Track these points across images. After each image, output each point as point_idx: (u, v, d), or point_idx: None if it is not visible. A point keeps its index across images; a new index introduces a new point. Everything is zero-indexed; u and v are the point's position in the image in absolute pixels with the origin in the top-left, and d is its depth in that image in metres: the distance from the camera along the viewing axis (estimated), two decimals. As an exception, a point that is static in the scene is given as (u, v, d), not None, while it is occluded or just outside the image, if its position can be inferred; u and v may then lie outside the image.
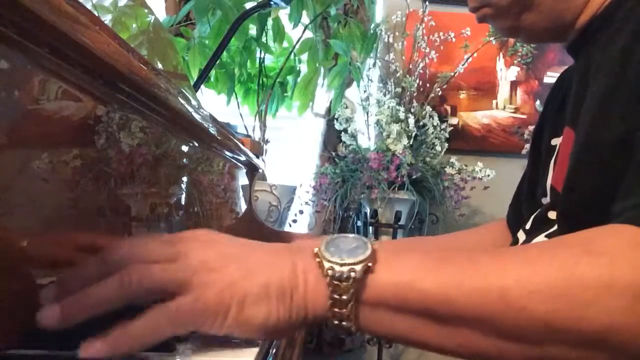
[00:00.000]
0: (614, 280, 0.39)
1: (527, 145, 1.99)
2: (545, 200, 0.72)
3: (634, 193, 0.46)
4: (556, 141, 0.73)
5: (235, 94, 1.89)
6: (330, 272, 0.41)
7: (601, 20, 0.64)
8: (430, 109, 1.97)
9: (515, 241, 0.75)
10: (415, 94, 1.99)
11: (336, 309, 0.41)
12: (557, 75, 0.75)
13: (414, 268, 0.42)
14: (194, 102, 0.78)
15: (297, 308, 0.42)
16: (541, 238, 0.67)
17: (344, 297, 0.41)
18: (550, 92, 0.84)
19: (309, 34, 1.82)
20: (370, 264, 0.41)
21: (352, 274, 0.41)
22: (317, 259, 0.42)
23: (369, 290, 0.41)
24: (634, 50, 0.54)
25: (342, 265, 0.41)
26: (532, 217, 0.73)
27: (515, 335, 0.40)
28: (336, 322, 0.42)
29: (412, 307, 0.41)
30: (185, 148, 0.85)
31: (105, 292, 0.40)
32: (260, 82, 1.87)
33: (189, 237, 0.44)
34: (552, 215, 0.67)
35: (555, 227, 0.65)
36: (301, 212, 1.90)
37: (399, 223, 1.85)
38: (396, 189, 1.82)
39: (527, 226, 0.73)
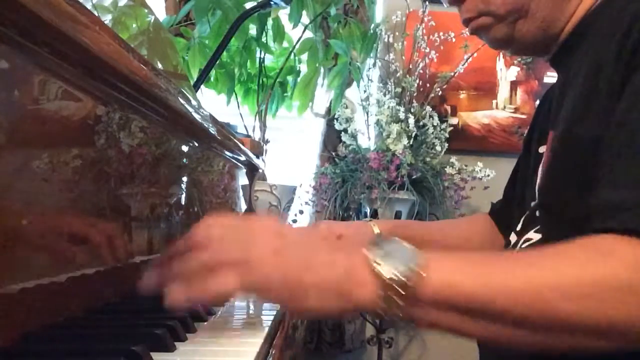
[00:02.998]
0: (630, 282, 0.46)
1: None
2: (534, 203, 0.74)
3: (618, 186, 0.52)
4: (543, 149, 0.75)
5: (235, 94, 1.88)
6: (383, 276, 0.47)
7: (578, 33, 0.69)
8: (430, 109, 1.97)
9: (507, 243, 0.78)
10: (415, 94, 1.98)
11: (384, 305, 0.48)
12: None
13: (459, 270, 0.49)
14: (194, 102, 0.78)
15: (348, 303, 0.49)
16: (530, 233, 0.71)
17: (394, 297, 0.47)
18: (539, 104, 0.88)
19: (309, 34, 1.81)
20: (421, 272, 0.47)
21: (404, 280, 0.47)
22: (372, 263, 0.48)
23: (418, 292, 0.47)
24: (608, 52, 0.58)
25: (394, 270, 0.47)
26: (522, 218, 0.75)
27: (548, 328, 0.48)
28: (385, 315, 0.49)
29: (456, 306, 0.48)
30: (185, 148, 0.85)
31: (191, 265, 0.48)
32: (260, 82, 1.87)
33: (265, 225, 0.52)
34: (539, 213, 0.70)
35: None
36: (301, 212, 1.89)
37: (399, 223, 1.85)
38: (396, 189, 1.82)
39: (518, 227, 0.75)
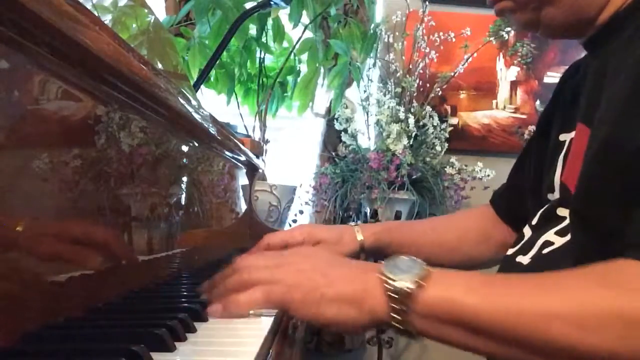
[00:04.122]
0: (621, 311, 0.45)
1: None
2: (552, 196, 0.71)
3: None
4: (565, 137, 0.72)
5: (235, 94, 1.88)
6: (389, 287, 0.52)
7: (623, 18, 0.63)
8: (430, 109, 1.96)
9: (520, 236, 0.75)
10: (415, 94, 1.99)
11: (395, 315, 0.52)
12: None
13: (461, 285, 0.51)
14: (194, 102, 0.78)
15: (363, 313, 0.54)
16: (550, 234, 0.67)
17: (400, 307, 0.52)
18: (557, 87, 0.82)
19: (309, 34, 1.81)
20: (422, 282, 0.51)
21: (406, 289, 0.51)
22: (381, 276, 0.53)
23: (419, 303, 0.51)
24: None
25: (398, 281, 0.52)
26: (539, 213, 0.72)
27: (533, 350, 0.48)
28: (396, 325, 0.52)
29: (453, 320, 0.51)
30: (185, 148, 0.85)
31: (234, 284, 0.59)
32: (260, 82, 1.87)
33: (296, 251, 0.65)
34: (561, 212, 0.67)
35: (565, 224, 0.65)
36: (301, 212, 1.89)
37: (399, 223, 1.85)
38: (396, 189, 1.82)
39: (534, 222, 0.73)
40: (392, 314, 0.52)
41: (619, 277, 0.47)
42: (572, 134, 0.70)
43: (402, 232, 0.96)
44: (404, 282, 0.52)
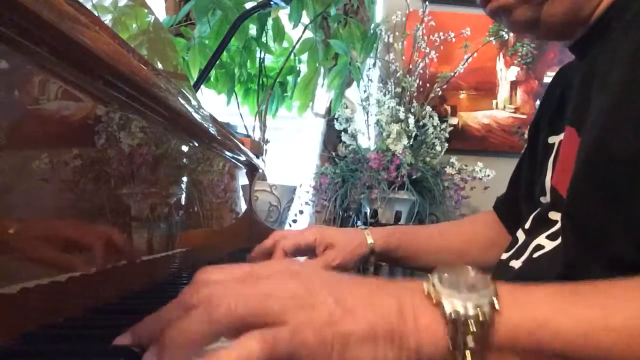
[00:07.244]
0: None
1: (527, 145, 1.99)
2: (544, 199, 0.72)
3: None
4: (554, 139, 0.72)
5: (235, 94, 1.89)
6: (450, 310, 0.36)
7: (607, 19, 0.63)
8: (430, 109, 1.97)
9: (514, 241, 0.75)
10: (415, 94, 1.99)
11: (457, 352, 0.36)
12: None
13: (544, 303, 0.38)
14: (194, 102, 0.78)
15: (407, 351, 0.36)
16: (542, 239, 0.67)
17: (467, 339, 0.36)
18: (546, 91, 0.83)
19: (309, 34, 1.82)
20: (495, 302, 0.37)
21: (479, 313, 0.36)
22: (432, 297, 0.37)
23: (495, 331, 0.36)
24: None
25: (465, 302, 0.36)
26: (532, 216, 0.72)
27: None
28: None
29: (548, 350, 0.37)
30: (185, 148, 0.85)
31: (196, 326, 0.35)
32: (260, 82, 1.87)
33: (271, 266, 0.40)
34: (552, 215, 0.67)
35: (556, 228, 0.65)
36: (301, 212, 1.89)
37: (399, 223, 1.85)
38: (396, 189, 1.82)
39: (527, 226, 0.73)
40: (454, 350, 0.36)
41: None
42: (561, 137, 0.70)
43: (410, 236, 0.95)
44: (474, 304, 0.36)
